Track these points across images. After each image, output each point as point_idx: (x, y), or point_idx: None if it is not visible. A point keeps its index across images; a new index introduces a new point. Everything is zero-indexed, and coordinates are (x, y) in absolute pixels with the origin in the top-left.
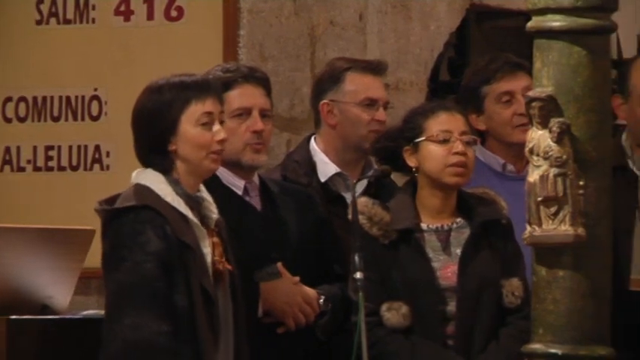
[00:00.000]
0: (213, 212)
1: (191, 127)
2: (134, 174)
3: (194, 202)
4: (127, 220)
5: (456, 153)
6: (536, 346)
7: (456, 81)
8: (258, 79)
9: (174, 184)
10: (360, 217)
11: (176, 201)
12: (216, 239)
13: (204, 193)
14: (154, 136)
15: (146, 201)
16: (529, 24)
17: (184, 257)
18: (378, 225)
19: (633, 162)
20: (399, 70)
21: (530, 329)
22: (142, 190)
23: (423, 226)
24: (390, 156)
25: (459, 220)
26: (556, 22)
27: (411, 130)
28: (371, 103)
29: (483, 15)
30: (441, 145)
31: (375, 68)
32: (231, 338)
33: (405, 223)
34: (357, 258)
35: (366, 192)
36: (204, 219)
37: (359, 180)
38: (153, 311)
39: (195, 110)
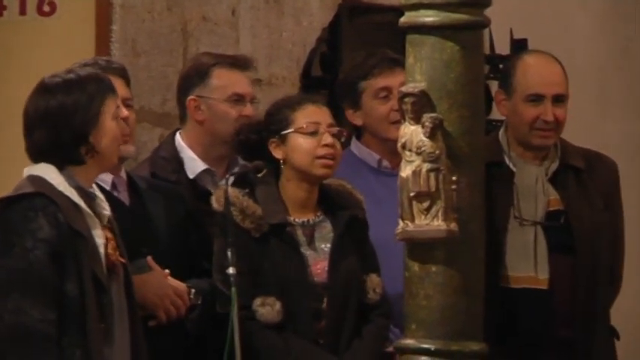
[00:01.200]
0: (105, 209)
1: (109, 120)
2: (26, 169)
3: (87, 197)
4: (20, 207)
5: (325, 145)
6: (409, 342)
7: (329, 76)
8: (116, 70)
9: (68, 176)
10: (232, 208)
11: (68, 190)
12: (109, 234)
13: (97, 191)
14: (70, 132)
15: (39, 189)
16: (402, 19)
17: (76, 245)
18: (250, 218)
19: (509, 158)
20: (272, 66)
21: (388, 326)
22: (35, 179)
23: (292, 219)
24: (253, 148)
25: (319, 213)
26: (429, 17)
27: (278, 123)
28: (238, 99)
29: (356, 10)
30: (309, 137)
31: (242, 64)
32: (127, 334)
33: (278, 216)
34: (229, 253)
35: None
36: (96, 215)
37: (231, 175)
38: (38, 298)
39: (112, 103)
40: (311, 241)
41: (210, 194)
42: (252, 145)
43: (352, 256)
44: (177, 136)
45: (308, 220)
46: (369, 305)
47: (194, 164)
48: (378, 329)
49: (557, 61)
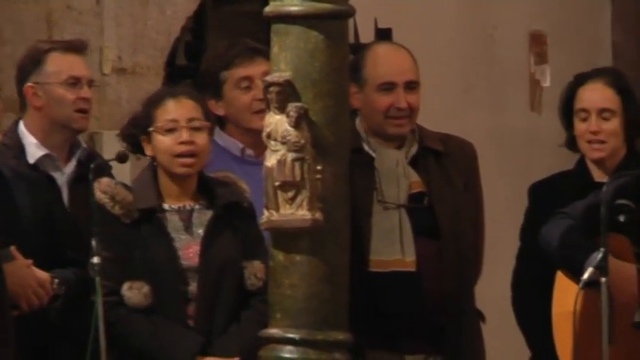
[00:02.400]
0: None
1: None
2: None
3: None
4: None
5: (182, 142)
6: (274, 331)
7: (193, 65)
8: None
9: None
10: (103, 196)
11: None
12: None
13: None
14: None
15: None
16: (266, 9)
17: None
18: (120, 204)
19: (368, 144)
20: (136, 55)
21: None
22: None
23: (165, 206)
24: (134, 143)
25: (200, 202)
26: (293, 6)
27: (145, 120)
28: (75, 82)
29: (221, 0)
30: (168, 135)
31: (77, 47)
32: None
33: (148, 202)
34: (94, 242)
35: (76, 172)
36: None
37: (96, 165)
38: None
39: None
40: (188, 227)
41: (53, 179)
42: (132, 139)
43: (229, 242)
44: (20, 124)
45: (184, 206)
46: (250, 291)
47: (34, 150)
48: (257, 315)
49: (405, 49)
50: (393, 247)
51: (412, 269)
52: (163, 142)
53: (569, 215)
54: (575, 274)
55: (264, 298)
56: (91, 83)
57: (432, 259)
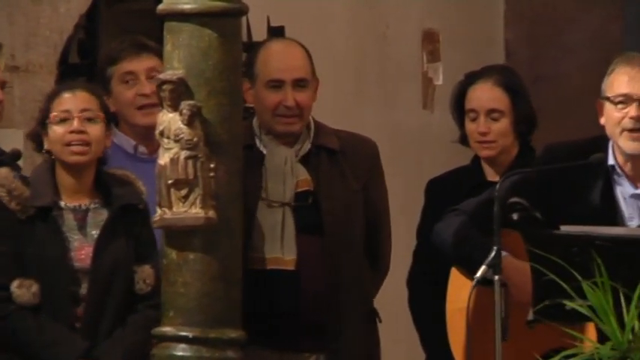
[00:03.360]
0: None
1: None
2: None
3: None
4: None
5: (73, 131)
6: (167, 329)
7: (86, 63)
8: None
9: None
10: (0, 189)
11: None
12: None
13: None
14: None
15: None
16: (160, 6)
17: None
18: (17, 199)
19: (261, 141)
20: (29, 53)
21: (157, 318)
22: None
23: (62, 204)
24: (39, 141)
25: (97, 200)
26: (186, 4)
27: (43, 114)
28: None
29: None
30: (60, 125)
31: None
32: None
33: (44, 200)
34: None
35: None
36: None
37: None
38: None
39: None
40: (82, 227)
41: None
42: (37, 138)
43: (122, 245)
44: None
45: (80, 205)
46: (138, 296)
47: None
48: (144, 320)
49: (300, 45)
50: (273, 246)
51: (291, 268)
52: (56, 131)
53: (463, 211)
54: (470, 271)
55: (152, 303)
56: (4, 85)
57: (315, 257)
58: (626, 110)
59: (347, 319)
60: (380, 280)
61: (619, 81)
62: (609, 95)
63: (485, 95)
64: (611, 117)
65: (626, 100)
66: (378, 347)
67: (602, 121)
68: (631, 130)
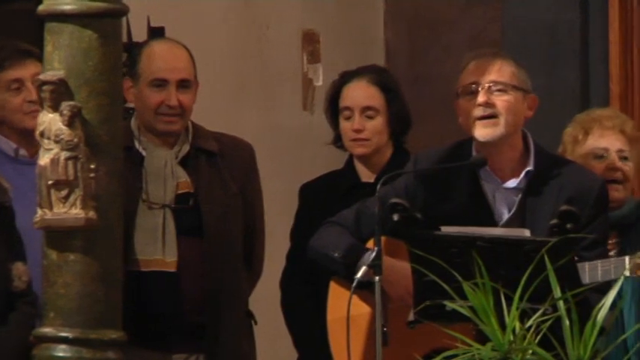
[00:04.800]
0: None
1: None
2: None
3: None
4: None
5: None
6: (47, 330)
7: None
8: None
9: None
10: None
11: None
12: None
13: None
14: None
15: None
16: (40, 7)
17: None
18: None
19: (140, 143)
20: None
21: (36, 314)
22: None
23: None
24: None
25: None
26: (67, 5)
27: None
28: None
29: None
30: None
31: None
32: None
33: None
34: None
35: None
36: None
37: None
38: None
39: None
40: None
41: None
42: None
43: None
44: None
45: None
46: (15, 293)
47: None
48: (24, 317)
49: (184, 47)
50: (155, 247)
51: (172, 270)
52: None
53: (339, 224)
54: (348, 277)
55: (29, 300)
56: None
57: (195, 259)
58: (474, 100)
59: (225, 320)
60: (254, 281)
61: (468, 73)
62: (460, 89)
63: (360, 93)
64: (464, 111)
65: (475, 88)
66: (253, 348)
67: (461, 119)
68: (481, 118)
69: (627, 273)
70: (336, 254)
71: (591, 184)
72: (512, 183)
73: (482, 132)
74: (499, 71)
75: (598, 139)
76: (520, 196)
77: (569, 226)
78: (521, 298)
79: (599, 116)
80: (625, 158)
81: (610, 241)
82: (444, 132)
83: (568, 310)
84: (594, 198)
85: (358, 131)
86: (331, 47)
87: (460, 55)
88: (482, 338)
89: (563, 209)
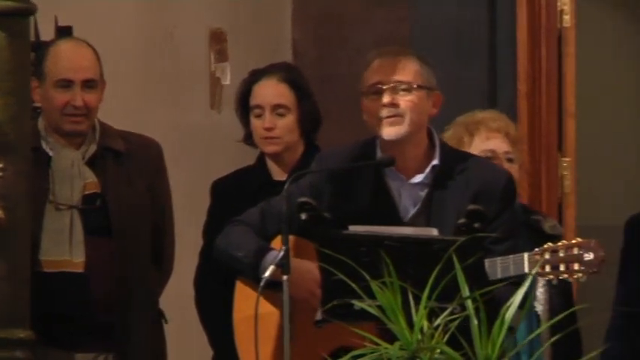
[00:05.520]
0: None
1: None
2: None
3: None
4: None
5: None
6: None
7: None
8: None
9: None
10: None
11: None
12: None
13: None
14: None
15: None
16: None
17: None
18: None
19: (47, 143)
20: None
21: None
22: None
23: None
24: None
25: None
26: None
27: None
28: None
29: None
30: None
31: None
32: None
33: None
34: None
35: None
36: None
37: None
38: None
39: None
40: None
41: None
42: None
43: None
44: None
45: None
46: None
47: None
48: None
49: (89, 46)
50: (62, 248)
51: (80, 270)
52: None
53: (245, 222)
54: (255, 282)
55: None
56: None
57: (104, 259)
58: (379, 100)
59: (135, 320)
60: (164, 280)
61: (372, 72)
62: (365, 88)
63: (271, 91)
64: (369, 110)
65: (379, 88)
66: (164, 347)
67: (365, 118)
68: (386, 118)
69: (526, 270)
70: (241, 255)
71: (498, 178)
72: (417, 178)
73: (387, 130)
74: (403, 70)
75: (484, 141)
76: (426, 190)
77: (476, 225)
78: (429, 297)
79: (484, 118)
80: (511, 160)
81: None
82: (352, 131)
83: (476, 309)
84: (501, 192)
85: (269, 129)
86: (239, 46)
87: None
88: (387, 337)
89: (470, 208)
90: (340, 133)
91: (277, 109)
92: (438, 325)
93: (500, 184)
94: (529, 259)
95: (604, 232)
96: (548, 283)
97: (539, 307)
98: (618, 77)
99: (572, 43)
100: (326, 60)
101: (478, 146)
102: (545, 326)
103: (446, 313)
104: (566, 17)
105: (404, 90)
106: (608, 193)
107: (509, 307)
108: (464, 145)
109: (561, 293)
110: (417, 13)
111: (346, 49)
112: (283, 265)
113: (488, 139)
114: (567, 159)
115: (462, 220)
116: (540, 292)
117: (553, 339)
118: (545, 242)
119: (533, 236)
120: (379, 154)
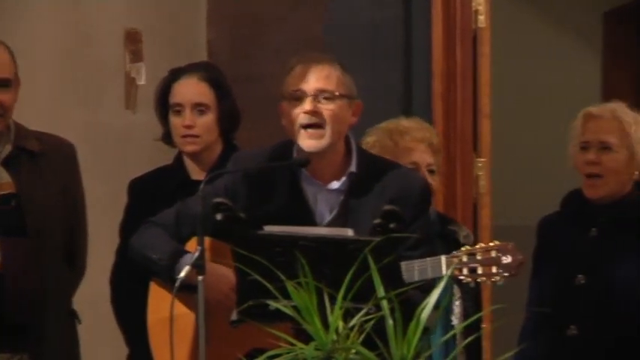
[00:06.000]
0: None
1: None
2: None
3: None
4: None
5: None
6: None
7: None
8: None
9: None
10: None
11: None
12: None
13: None
14: None
15: None
16: None
17: None
18: None
19: None
20: None
21: None
22: None
23: None
24: None
25: None
26: None
27: None
28: None
29: None
30: None
31: None
32: None
33: None
34: None
35: None
36: None
37: None
38: None
39: None
40: None
41: None
42: None
43: None
44: None
45: None
46: None
47: None
48: None
49: (3, 45)
50: None
51: None
52: None
53: (159, 224)
54: (169, 283)
55: None
56: None
57: (19, 259)
58: (301, 106)
59: (50, 320)
60: (78, 280)
61: (294, 78)
62: (286, 93)
63: (191, 89)
64: (290, 115)
65: (301, 95)
66: (77, 347)
67: (284, 121)
68: (306, 127)
69: (444, 273)
70: (156, 257)
71: (413, 185)
72: (334, 185)
73: (307, 143)
74: (327, 79)
75: (408, 152)
76: (342, 197)
77: (392, 225)
78: (344, 298)
79: (409, 128)
80: (432, 172)
81: None
82: (265, 131)
83: (391, 310)
84: (416, 198)
85: (189, 127)
86: (154, 47)
87: (284, 55)
88: (303, 337)
89: (386, 209)
90: (253, 133)
91: (197, 107)
92: (354, 326)
93: (416, 191)
94: (447, 262)
95: (519, 232)
96: (463, 288)
97: (456, 320)
98: (533, 77)
99: (487, 43)
100: (240, 60)
101: (401, 157)
102: (459, 327)
103: (361, 313)
104: (481, 17)
105: (326, 98)
106: (523, 194)
107: (424, 307)
108: (386, 152)
109: (472, 295)
110: (332, 13)
111: (261, 50)
112: (199, 266)
113: (412, 150)
114: (482, 159)
115: (377, 221)
116: (456, 305)
117: (466, 341)
118: None
119: (450, 247)
120: (296, 155)
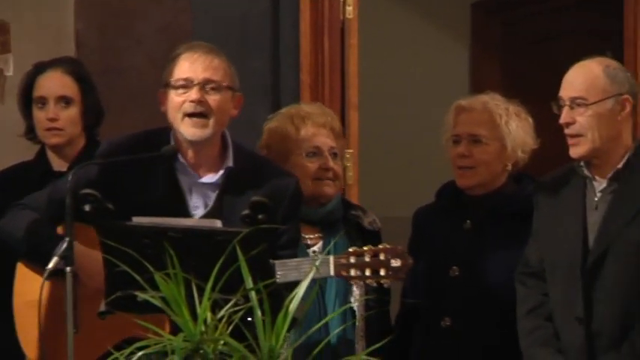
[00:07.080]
0: None
1: None
2: None
3: None
4: None
5: None
6: None
7: None
8: None
9: None
10: None
11: None
12: None
13: None
14: None
15: None
16: None
17: None
18: None
19: None
20: None
21: None
22: None
23: None
24: None
25: None
26: None
27: None
28: None
29: None
30: None
31: None
32: None
33: None
34: None
35: None
36: None
37: None
38: None
39: None
40: None
41: None
42: None
43: None
44: None
45: None
46: None
47: None
48: None
49: None
50: None
51: None
52: None
53: (28, 206)
54: (41, 264)
55: None
56: None
57: None
58: (187, 94)
59: None
60: None
61: (181, 66)
62: (171, 81)
63: (56, 82)
64: (173, 102)
65: (187, 84)
66: None
67: (164, 109)
68: (191, 115)
69: (332, 273)
70: (22, 237)
71: (287, 184)
72: (209, 178)
73: (191, 131)
74: (215, 69)
75: (311, 137)
76: (217, 192)
77: (260, 216)
78: (213, 289)
79: (311, 113)
80: (335, 155)
81: (313, 235)
82: (133, 124)
83: (260, 301)
84: (289, 197)
85: (53, 120)
86: (22, 37)
87: (150, 46)
88: (178, 329)
89: (254, 200)
90: (121, 126)
91: (61, 100)
92: (222, 317)
93: (290, 191)
94: (334, 262)
95: (387, 223)
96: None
97: (355, 303)
98: (401, 69)
99: (355, 34)
100: (108, 52)
101: (303, 141)
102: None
103: (229, 305)
104: (349, 8)
105: (213, 89)
106: (391, 185)
107: (292, 298)
108: (289, 138)
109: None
110: (199, 3)
111: (128, 41)
112: (66, 257)
113: (314, 135)
114: (350, 150)
115: (245, 212)
116: (355, 287)
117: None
118: (364, 238)
119: (352, 231)
120: (165, 146)
